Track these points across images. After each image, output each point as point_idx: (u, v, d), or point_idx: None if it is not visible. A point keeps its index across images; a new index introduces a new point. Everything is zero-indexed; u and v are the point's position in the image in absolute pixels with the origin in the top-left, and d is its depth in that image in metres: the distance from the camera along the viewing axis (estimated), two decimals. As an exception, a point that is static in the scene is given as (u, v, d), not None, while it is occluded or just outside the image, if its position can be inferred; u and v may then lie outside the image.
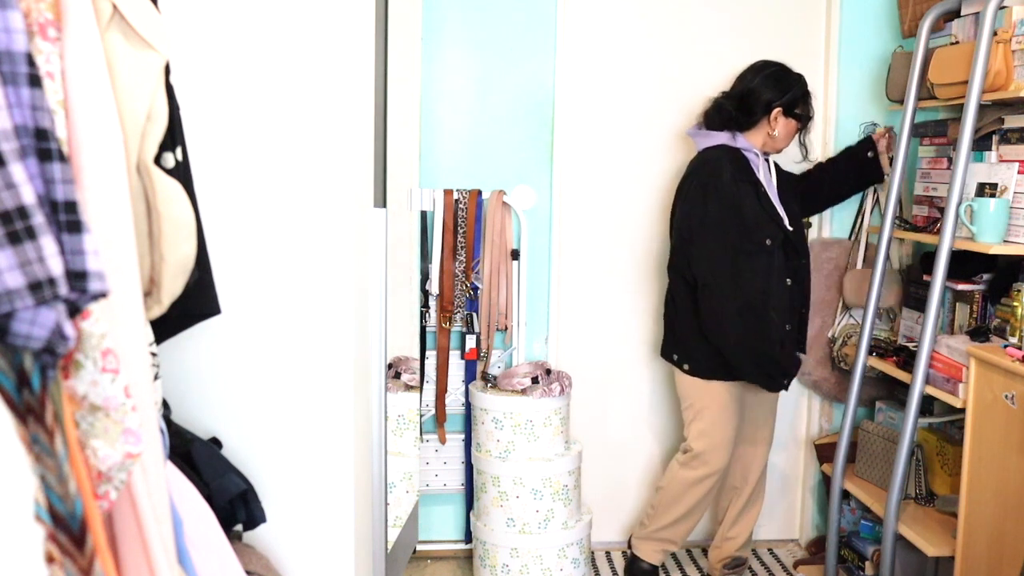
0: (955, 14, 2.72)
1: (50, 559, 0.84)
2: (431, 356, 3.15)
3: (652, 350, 3.29)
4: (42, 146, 0.87)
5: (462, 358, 3.16)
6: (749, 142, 2.83)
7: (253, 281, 1.69)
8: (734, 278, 2.70)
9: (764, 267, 2.73)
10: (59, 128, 0.95)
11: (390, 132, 2.35)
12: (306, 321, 1.71)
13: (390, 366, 2.79)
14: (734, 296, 2.71)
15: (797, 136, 2.91)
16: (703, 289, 2.75)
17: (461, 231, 3.08)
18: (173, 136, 1.19)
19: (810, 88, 2.88)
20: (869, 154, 3.02)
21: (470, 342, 3.13)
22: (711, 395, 2.88)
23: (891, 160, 2.92)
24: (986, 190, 2.55)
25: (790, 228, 2.80)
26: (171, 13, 1.55)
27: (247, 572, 1.52)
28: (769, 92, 2.81)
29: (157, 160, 1.16)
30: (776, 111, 2.81)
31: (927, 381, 2.61)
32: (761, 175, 2.81)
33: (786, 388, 2.86)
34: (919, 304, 2.87)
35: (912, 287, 2.98)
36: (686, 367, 2.90)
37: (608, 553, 3.34)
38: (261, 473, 1.72)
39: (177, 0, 1.61)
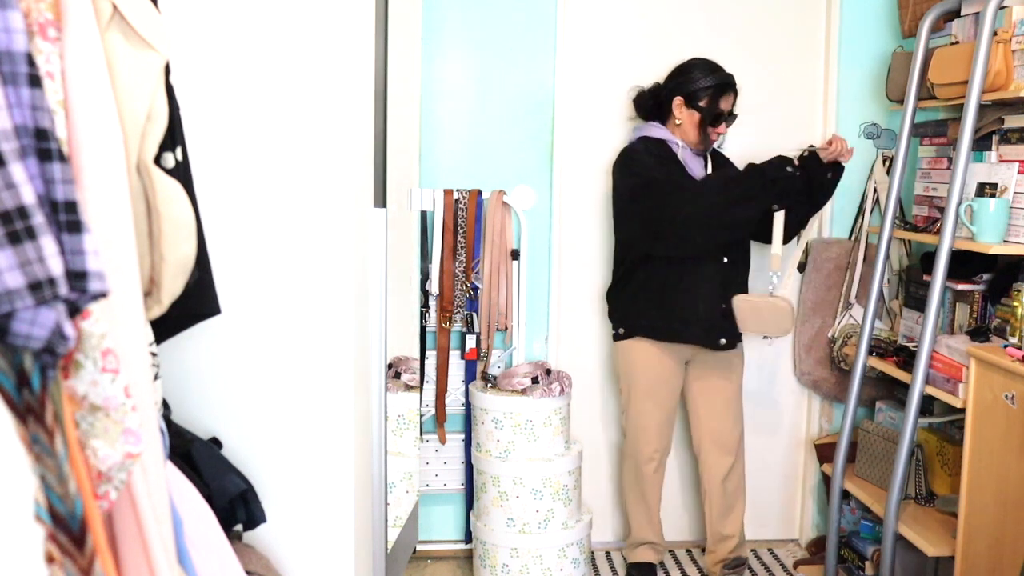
0: (955, 14, 2.72)
1: (50, 559, 0.84)
2: (431, 356, 3.15)
3: (652, 350, 3.28)
4: (42, 146, 0.86)
5: (462, 358, 3.16)
6: (667, 131, 2.89)
7: (253, 281, 1.69)
8: (683, 196, 2.75)
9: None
10: (59, 128, 0.95)
11: (390, 132, 2.35)
12: (306, 321, 1.71)
13: (390, 366, 2.79)
14: (694, 205, 2.73)
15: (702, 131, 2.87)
16: (673, 236, 2.77)
17: (461, 231, 3.08)
18: (173, 136, 1.19)
19: (729, 80, 2.86)
20: (788, 169, 2.76)
21: (470, 342, 3.13)
22: (639, 367, 2.94)
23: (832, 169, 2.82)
24: (986, 190, 2.55)
25: None
26: (171, 13, 1.55)
27: (247, 572, 1.52)
28: (673, 82, 2.89)
29: (157, 160, 1.16)
30: (677, 100, 2.86)
31: (927, 381, 2.61)
32: (687, 162, 2.86)
33: (798, 172, 2.74)
34: (919, 304, 2.87)
35: (912, 287, 2.98)
36: (614, 332, 2.99)
37: (608, 553, 3.34)
38: (261, 473, 1.72)
39: (177, 0, 1.61)
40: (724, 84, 2.86)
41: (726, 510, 3.05)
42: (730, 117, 2.91)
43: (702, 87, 2.84)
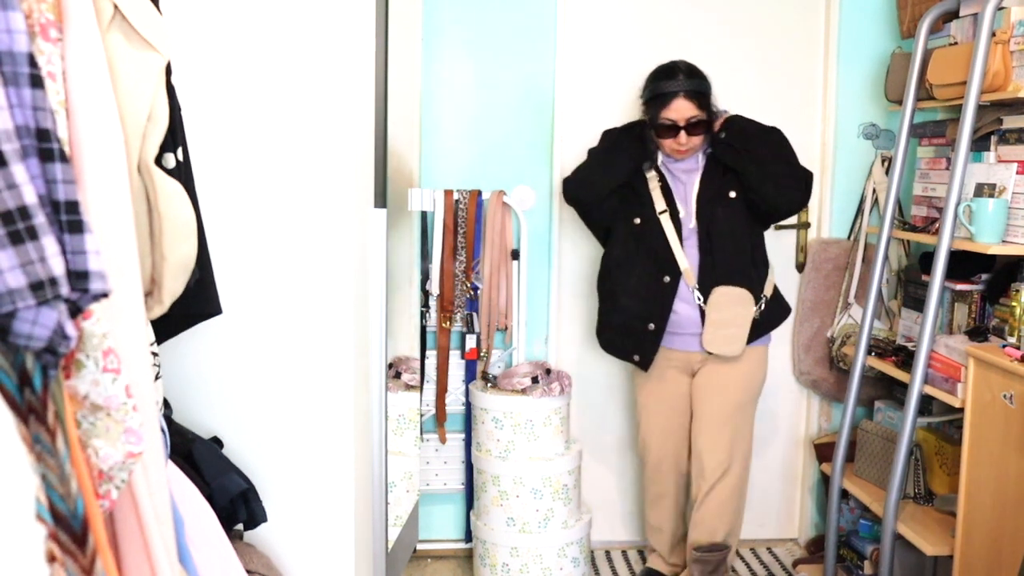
0: (954, 15, 2.72)
1: (51, 558, 0.84)
2: (431, 356, 3.15)
3: (652, 350, 3.28)
4: (44, 146, 0.87)
5: (462, 358, 3.16)
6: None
7: (253, 281, 1.70)
8: None
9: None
10: (60, 128, 0.95)
11: (390, 132, 2.35)
12: (306, 321, 1.72)
13: (390, 366, 2.79)
14: None
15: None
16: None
17: (461, 231, 3.08)
18: (174, 136, 1.19)
19: (671, 89, 2.63)
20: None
21: (470, 342, 3.13)
22: (637, 380, 2.94)
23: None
24: (985, 190, 2.55)
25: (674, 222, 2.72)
26: (172, 13, 1.55)
27: (248, 571, 1.52)
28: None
29: (158, 160, 1.16)
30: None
31: (926, 381, 2.62)
32: (670, 171, 2.77)
33: None
34: (918, 304, 2.88)
35: (911, 287, 2.99)
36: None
37: (608, 553, 3.34)
38: (262, 472, 1.72)
39: (178, 0, 1.61)
40: (662, 95, 2.63)
41: (706, 499, 2.82)
42: (691, 127, 2.64)
43: (644, 98, 2.73)
